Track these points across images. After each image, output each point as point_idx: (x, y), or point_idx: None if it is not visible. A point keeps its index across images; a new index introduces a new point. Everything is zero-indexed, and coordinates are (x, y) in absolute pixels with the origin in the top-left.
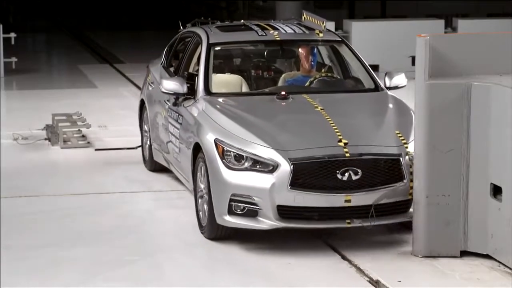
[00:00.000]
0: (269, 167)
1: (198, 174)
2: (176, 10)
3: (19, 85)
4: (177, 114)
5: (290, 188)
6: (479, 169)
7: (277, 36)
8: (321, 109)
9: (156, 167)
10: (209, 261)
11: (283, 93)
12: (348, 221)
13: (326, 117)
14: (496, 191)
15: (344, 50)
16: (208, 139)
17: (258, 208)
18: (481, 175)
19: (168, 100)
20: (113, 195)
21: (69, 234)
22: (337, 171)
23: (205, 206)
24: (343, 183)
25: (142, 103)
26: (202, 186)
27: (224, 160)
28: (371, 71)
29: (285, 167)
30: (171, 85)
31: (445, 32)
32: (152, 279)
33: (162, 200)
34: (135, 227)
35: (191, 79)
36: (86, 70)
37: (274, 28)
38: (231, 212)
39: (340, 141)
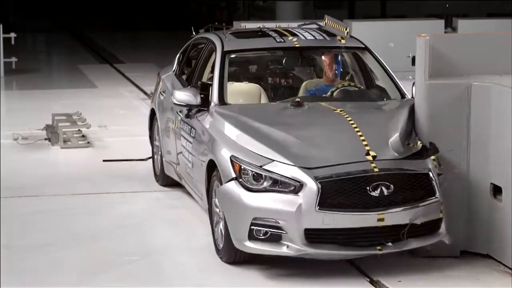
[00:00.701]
0: (291, 187)
1: (213, 194)
2: (176, 10)
3: (19, 85)
4: (190, 127)
5: (318, 209)
6: (479, 169)
7: (296, 43)
8: (345, 115)
9: (169, 182)
10: (209, 261)
11: (297, 99)
12: (379, 247)
13: (351, 123)
14: (496, 191)
15: (367, 58)
16: (223, 156)
17: (283, 232)
18: (481, 175)
19: (180, 111)
20: (113, 195)
21: (69, 234)
22: (368, 187)
23: (221, 229)
24: (374, 199)
25: (152, 113)
26: (217, 208)
27: (241, 180)
28: (396, 80)
29: (312, 186)
30: (183, 96)
31: (445, 32)
32: (152, 279)
33: (162, 200)
34: (135, 227)
35: (205, 89)
36: (86, 70)
37: (293, 34)
38: (252, 237)
39: (368, 153)
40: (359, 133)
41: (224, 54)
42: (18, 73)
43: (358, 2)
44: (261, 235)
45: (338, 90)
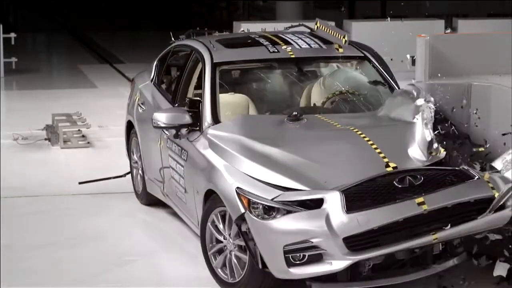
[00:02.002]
0: (311, 205)
1: (211, 224)
2: (176, 10)
3: (19, 85)
4: (180, 148)
5: (347, 212)
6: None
7: (291, 53)
8: (353, 128)
9: (152, 201)
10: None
11: (295, 113)
12: (434, 233)
13: (363, 136)
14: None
15: (366, 68)
16: (227, 187)
17: (322, 250)
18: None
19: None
20: (113, 195)
21: (69, 234)
22: (394, 181)
23: (233, 258)
24: (405, 189)
25: (129, 125)
26: (221, 237)
27: (252, 214)
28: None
29: (333, 195)
30: (170, 118)
31: (445, 32)
32: (152, 279)
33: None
34: (135, 227)
35: (194, 106)
36: (86, 70)
37: (286, 42)
38: (290, 263)
39: (387, 165)
40: (374, 146)
41: (214, 66)
42: (18, 73)
43: (358, 2)
44: (298, 260)
45: (334, 99)
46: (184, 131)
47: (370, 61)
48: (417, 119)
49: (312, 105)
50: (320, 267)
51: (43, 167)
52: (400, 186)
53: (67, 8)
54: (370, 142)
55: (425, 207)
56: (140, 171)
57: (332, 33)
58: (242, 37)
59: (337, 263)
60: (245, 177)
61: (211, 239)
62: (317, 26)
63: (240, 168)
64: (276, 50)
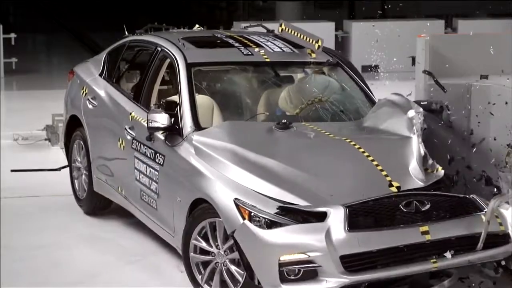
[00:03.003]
0: (314, 219)
1: (198, 235)
2: (176, 11)
3: (19, 85)
4: (153, 151)
5: (349, 230)
6: (479, 169)
7: (265, 57)
8: (347, 140)
9: (96, 208)
10: None
11: (284, 121)
12: (434, 260)
13: (360, 149)
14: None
15: (340, 74)
16: (223, 197)
17: (317, 266)
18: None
19: (131, 128)
20: None
21: (69, 234)
22: (400, 205)
23: (224, 272)
24: (411, 214)
25: (72, 120)
26: (209, 249)
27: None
28: (374, 97)
29: (337, 210)
30: (154, 123)
31: (445, 32)
32: (153, 279)
33: None
34: (135, 227)
35: (170, 109)
36: None
37: (257, 45)
38: (284, 279)
39: (391, 185)
40: (374, 163)
41: (189, 67)
42: (18, 73)
43: (358, 2)
44: (293, 275)
45: (307, 107)
46: (159, 134)
47: (343, 67)
48: (414, 133)
49: (284, 111)
50: (314, 285)
51: (43, 167)
52: (405, 210)
53: (67, 8)
54: (370, 158)
55: (428, 237)
56: (84, 172)
57: (303, 37)
58: (208, 36)
59: (332, 282)
60: (243, 188)
61: (195, 250)
62: (282, 29)
63: (236, 179)
64: (250, 53)
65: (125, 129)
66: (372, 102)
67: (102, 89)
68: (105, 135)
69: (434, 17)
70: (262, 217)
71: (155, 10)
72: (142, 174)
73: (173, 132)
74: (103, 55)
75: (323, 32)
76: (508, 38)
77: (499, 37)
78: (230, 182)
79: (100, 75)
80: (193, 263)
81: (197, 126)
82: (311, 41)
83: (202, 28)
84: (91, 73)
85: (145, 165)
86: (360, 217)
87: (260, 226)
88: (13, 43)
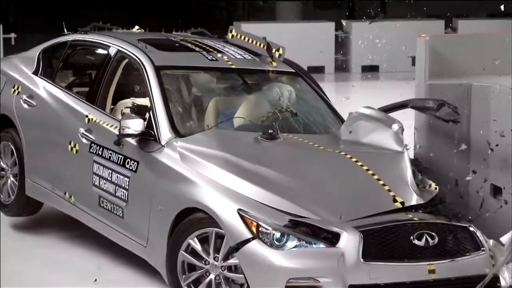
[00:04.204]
0: (326, 240)
1: (189, 245)
2: (176, 11)
3: None
4: (123, 157)
5: (363, 260)
6: (479, 169)
7: (230, 63)
8: (341, 152)
9: (25, 213)
10: None
11: (270, 131)
12: None
13: (357, 162)
14: (496, 191)
15: (301, 84)
16: (223, 207)
17: None
18: (481, 175)
19: (88, 131)
20: None
21: (69, 234)
22: (411, 236)
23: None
24: (420, 249)
25: (2, 120)
26: (201, 261)
27: (261, 240)
28: (335, 109)
29: (352, 235)
30: (127, 129)
31: (445, 32)
32: (153, 279)
33: None
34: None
35: (140, 113)
36: None
37: (218, 51)
38: None
39: (395, 200)
40: (375, 177)
41: (158, 70)
42: None
43: (358, 2)
44: None
45: (270, 117)
46: (130, 139)
47: (303, 77)
48: (404, 148)
49: (249, 120)
50: None
51: None
52: (417, 244)
53: (67, 8)
54: (370, 172)
55: (434, 276)
56: (11, 176)
57: (259, 45)
58: (164, 39)
59: None
60: (244, 197)
61: (182, 264)
62: (233, 35)
63: (235, 188)
64: (214, 59)
65: (80, 132)
66: (335, 113)
67: (41, 88)
68: (47, 136)
69: (434, 17)
70: (272, 230)
71: (154, 10)
72: (103, 180)
73: (148, 138)
74: (35, 53)
75: (323, 32)
76: (508, 38)
77: (499, 37)
78: (229, 192)
79: (35, 73)
80: (181, 276)
81: (176, 132)
82: (269, 49)
83: (142, 30)
84: (22, 71)
85: (110, 171)
86: (373, 245)
87: (269, 243)
88: (13, 43)
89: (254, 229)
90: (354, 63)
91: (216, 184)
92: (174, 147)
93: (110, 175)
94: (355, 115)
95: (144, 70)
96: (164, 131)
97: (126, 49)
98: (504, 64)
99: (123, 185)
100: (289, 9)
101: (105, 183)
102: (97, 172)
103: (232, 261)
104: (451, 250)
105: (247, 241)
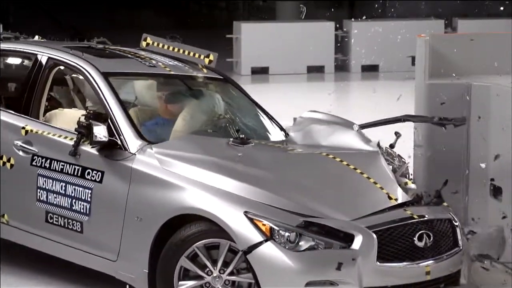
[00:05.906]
0: (341, 241)
1: (187, 258)
2: (176, 11)
3: None
4: (80, 168)
5: (378, 263)
6: (479, 169)
7: (168, 69)
8: (325, 154)
9: None
10: None
11: (241, 136)
12: None
13: (343, 162)
14: (496, 191)
15: (232, 90)
16: (226, 211)
17: None
18: (481, 175)
19: (26, 143)
20: None
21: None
22: (414, 237)
23: None
24: (420, 250)
25: None
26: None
27: (275, 241)
28: (272, 116)
29: (367, 237)
30: (99, 137)
31: (445, 32)
32: None
33: None
34: None
35: (98, 120)
36: None
37: (149, 58)
38: None
39: (389, 197)
40: (365, 175)
41: (106, 77)
42: None
43: (358, 2)
44: None
45: (213, 123)
46: (88, 148)
47: (233, 83)
48: (378, 147)
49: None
50: None
51: None
52: (418, 245)
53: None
54: (359, 171)
55: (429, 277)
56: None
57: (188, 52)
58: (87, 47)
59: None
60: (249, 201)
61: (180, 270)
62: (148, 43)
63: (234, 191)
64: (152, 65)
65: (16, 145)
66: (270, 118)
67: None
68: None
69: (434, 17)
70: (285, 230)
71: (154, 10)
72: (53, 194)
73: (113, 146)
74: None
75: (323, 32)
76: (508, 38)
77: (499, 37)
78: (231, 195)
79: None
80: (176, 281)
81: (142, 139)
82: (199, 56)
83: (44, 39)
84: None
85: (63, 183)
86: (384, 246)
87: (283, 244)
88: None
89: (265, 231)
90: (354, 62)
91: (213, 188)
92: (150, 154)
93: (63, 188)
94: (303, 119)
95: (91, 78)
96: (130, 139)
97: (62, 57)
98: (504, 64)
99: (83, 198)
100: (289, 9)
101: (55, 197)
102: (43, 186)
103: (240, 278)
104: (442, 250)
105: (259, 244)
